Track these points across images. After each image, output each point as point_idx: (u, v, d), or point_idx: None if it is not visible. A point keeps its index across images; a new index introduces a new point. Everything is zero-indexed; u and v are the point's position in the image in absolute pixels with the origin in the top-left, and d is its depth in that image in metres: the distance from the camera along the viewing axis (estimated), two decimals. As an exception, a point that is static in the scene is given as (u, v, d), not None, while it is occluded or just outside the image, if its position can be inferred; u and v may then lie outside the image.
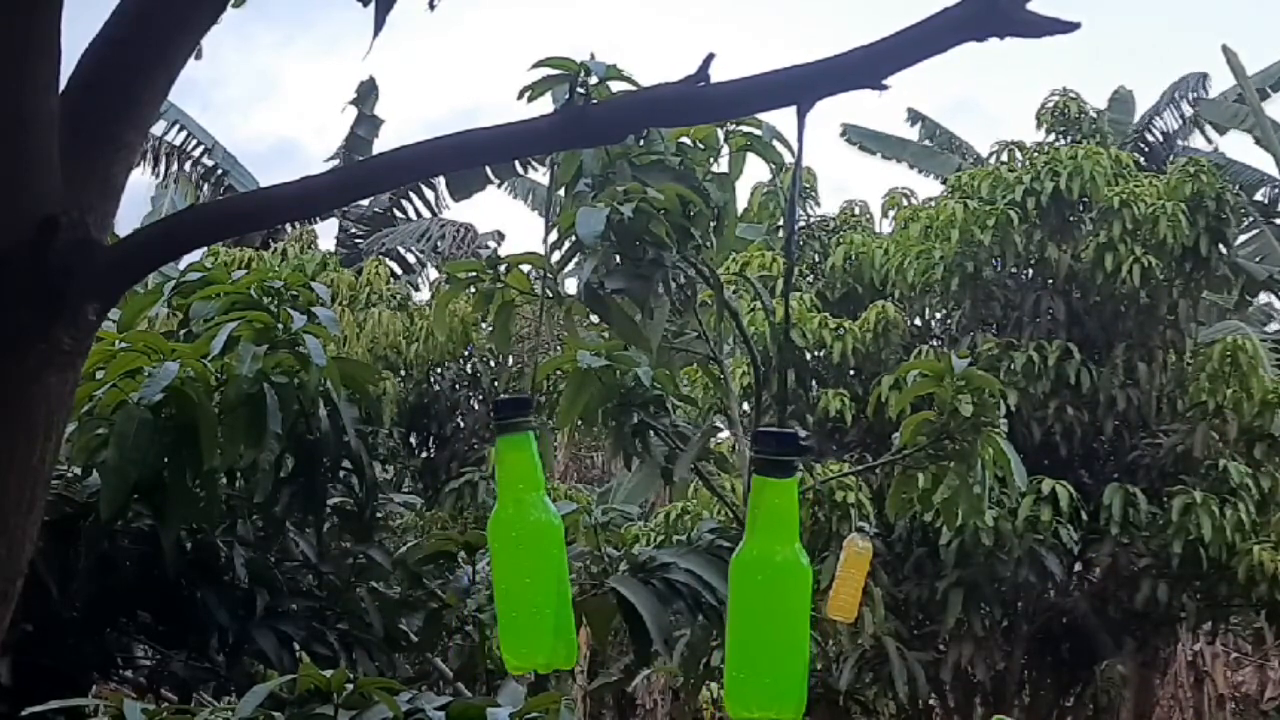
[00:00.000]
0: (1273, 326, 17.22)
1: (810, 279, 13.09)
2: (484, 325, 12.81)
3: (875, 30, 2.23)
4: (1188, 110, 19.11)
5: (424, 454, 14.69)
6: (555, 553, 1.59)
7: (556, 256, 5.26)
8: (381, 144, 20.68)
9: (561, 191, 5.43)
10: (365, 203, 20.07)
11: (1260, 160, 18.12)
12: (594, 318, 5.79)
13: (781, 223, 13.46)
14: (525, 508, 1.59)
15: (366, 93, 20.77)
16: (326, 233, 20.54)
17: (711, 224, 5.36)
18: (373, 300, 14.47)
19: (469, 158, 3.74)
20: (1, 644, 2.92)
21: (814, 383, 12.12)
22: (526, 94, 5.03)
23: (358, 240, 20.36)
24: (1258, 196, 18.04)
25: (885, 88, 2.24)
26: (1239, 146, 34.66)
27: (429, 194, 20.51)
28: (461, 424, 14.53)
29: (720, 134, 5.43)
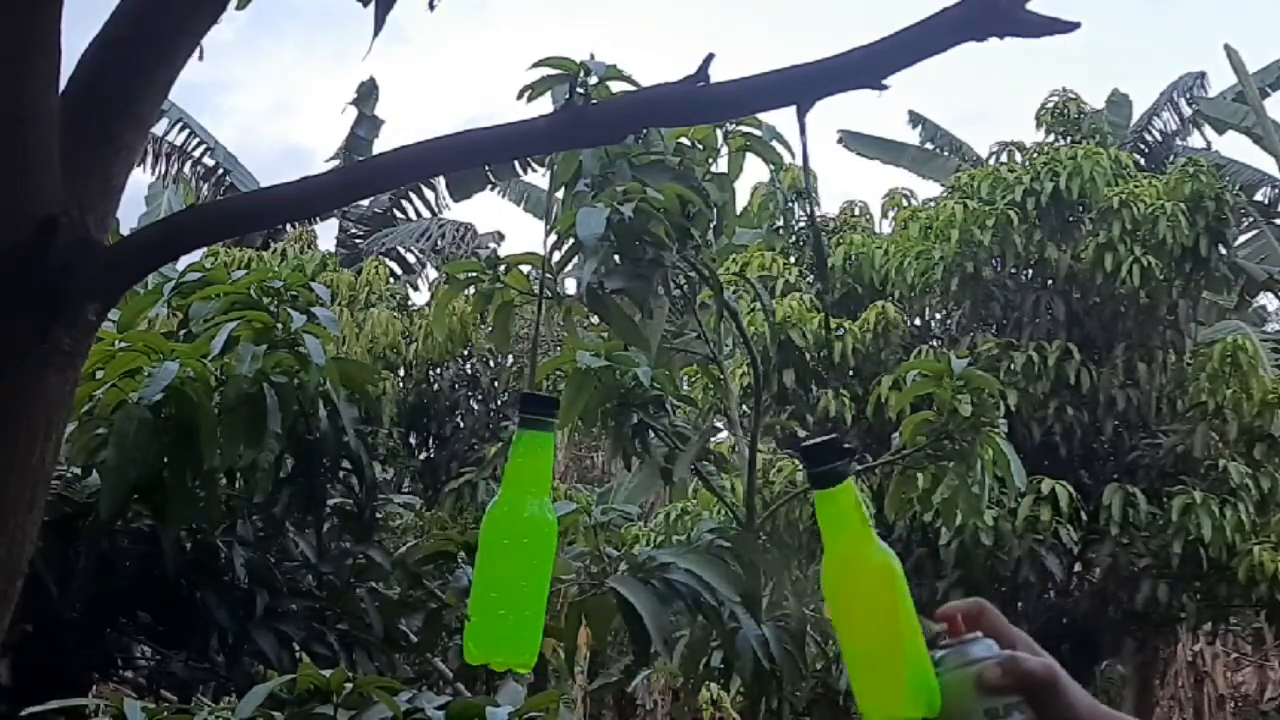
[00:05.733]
0: (1272, 326, 17.21)
1: (810, 279, 13.10)
2: (483, 325, 12.82)
3: (875, 30, 2.23)
4: (1186, 110, 19.11)
5: (424, 454, 14.70)
6: (545, 557, 1.58)
7: (556, 257, 5.26)
8: (382, 144, 20.69)
9: (560, 192, 5.43)
10: (365, 203, 20.06)
11: (1260, 160, 18.13)
12: (594, 318, 5.79)
13: (780, 223, 13.49)
14: (528, 507, 1.58)
15: (367, 93, 20.77)
16: (326, 233, 20.56)
17: (711, 224, 5.36)
18: (372, 300, 14.48)
19: (469, 158, 3.75)
20: (1, 644, 2.92)
21: (814, 383, 12.12)
22: (526, 94, 5.03)
23: (358, 240, 20.35)
24: (1258, 196, 18.03)
25: (885, 88, 2.24)
26: (1239, 146, 34.67)
27: (429, 194, 20.53)
28: (461, 424, 14.53)
29: (719, 134, 5.43)
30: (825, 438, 1.45)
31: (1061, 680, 1.25)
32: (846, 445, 1.53)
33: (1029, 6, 2.15)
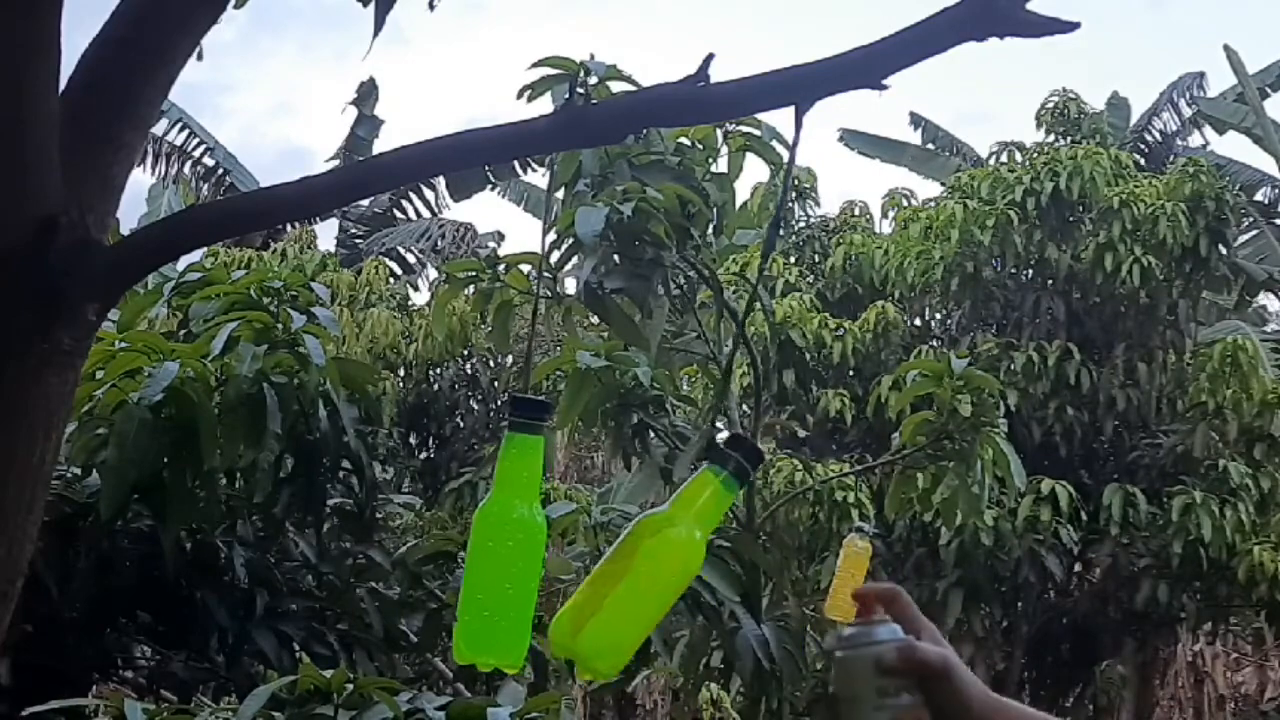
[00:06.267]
0: (1272, 326, 17.21)
1: (810, 279, 13.10)
2: (483, 325, 12.82)
3: (875, 30, 2.23)
4: (1186, 110, 19.10)
5: (424, 454, 14.69)
6: (533, 559, 1.59)
7: (555, 256, 5.26)
8: (382, 144, 20.68)
9: (560, 192, 5.43)
10: (365, 203, 20.05)
11: (1260, 160, 18.12)
12: (594, 318, 5.79)
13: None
14: (516, 509, 1.58)
15: (367, 93, 20.76)
16: (326, 233, 20.54)
17: (710, 224, 5.36)
18: (372, 300, 14.48)
19: (468, 158, 3.75)
20: (1, 644, 2.92)
21: (814, 383, 12.12)
22: (526, 94, 5.03)
23: (358, 240, 20.35)
24: (1258, 196, 18.01)
25: (885, 88, 2.24)
26: (1239, 146, 34.69)
27: (429, 194, 20.50)
28: (461, 424, 14.53)
29: (719, 134, 5.43)
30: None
31: (954, 671, 1.33)
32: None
33: (1029, 6, 2.15)
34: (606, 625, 1.43)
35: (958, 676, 1.34)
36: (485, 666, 1.59)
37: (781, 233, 13.54)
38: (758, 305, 10.54)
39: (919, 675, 1.32)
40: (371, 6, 3.19)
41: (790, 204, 13.42)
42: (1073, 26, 2.15)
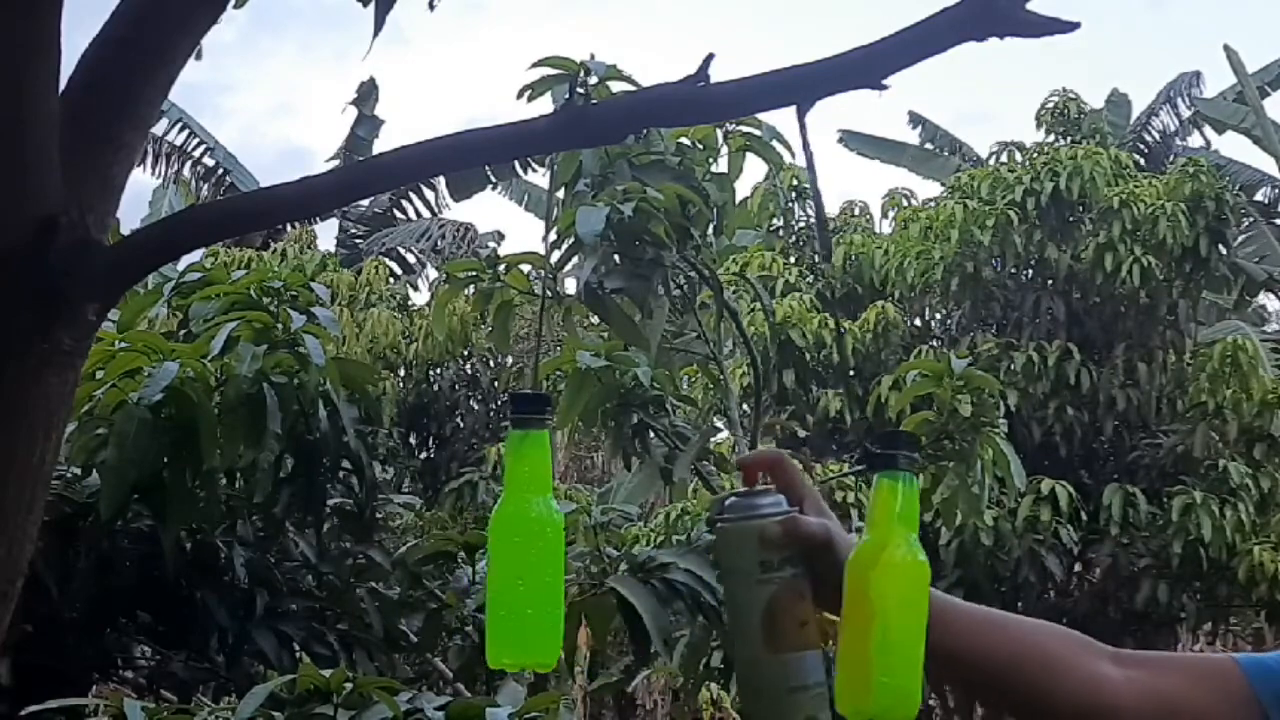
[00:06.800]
0: (1272, 326, 17.22)
1: (810, 279, 13.11)
2: (484, 325, 12.82)
3: (875, 30, 2.23)
4: (1184, 110, 19.11)
5: (424, 454, 14.70)
6: (556, 554, 1.58)
7: (556, 256, 5.26)
8: (382, 144, 20.68)
9: (560, 192, 5.43)
10: (365, 203, 20.06)
11: (1260, 160, 18.13)
12: (594, 318, 5.79)
13: (780, 223, 13.50)
14: (533, 506, 1.57)
15: (367, 93, 20.76)
16: (326, 233, 20.55)
17: (710, 224, 5.36)
18: (372, 300, 14.49)
19: (469, 158, 3.75)
20: (1, 644, 2.92)
21: (814, 383, 12.13)
22: (526, 94, 5.03)
23: (358, 240, 20.35)
24: (1258, 196, 18.03)
25: (885, 88, 2.24)
26: (1239, 147, 34.68)
27: (429, 194, 20.52)
28: (461, 424, 14.54)
29: (719, 134, 5.43)
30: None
31: (836, 542, 1.34)
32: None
33: (1029, 6, 2.15)
34: (888, 675, 1.38)
35: (839, 547, 1.33)
36: (515, 667, 1.58)
37: (783, 232, 13.57)
38: (757, 305, 10.57)
39: (803, 548, 1.32)
40: (371, 6, 3.18)
41: (790, 204, 13.44)
42: (1073, 26, 2.15)
